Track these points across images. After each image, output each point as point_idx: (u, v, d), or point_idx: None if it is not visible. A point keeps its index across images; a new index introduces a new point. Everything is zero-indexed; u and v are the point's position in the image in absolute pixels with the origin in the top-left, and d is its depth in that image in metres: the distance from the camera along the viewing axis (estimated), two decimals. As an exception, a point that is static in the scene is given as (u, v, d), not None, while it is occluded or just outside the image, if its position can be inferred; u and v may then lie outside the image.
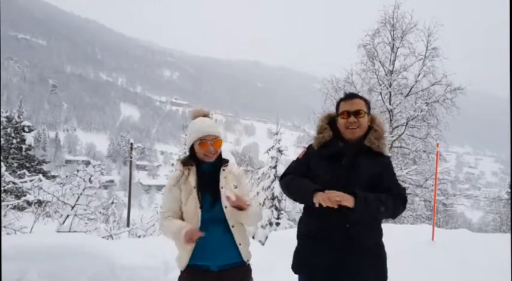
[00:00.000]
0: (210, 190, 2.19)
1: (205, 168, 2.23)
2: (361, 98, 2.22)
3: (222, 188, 2.20)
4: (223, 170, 2.25)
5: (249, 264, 2.27)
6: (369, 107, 2.22)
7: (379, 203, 1.99)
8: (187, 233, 1.99)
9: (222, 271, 2.16)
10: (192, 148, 2.24)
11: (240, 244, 2.20)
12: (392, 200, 2.04)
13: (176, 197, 2.19)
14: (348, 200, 1.94)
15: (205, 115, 2.32)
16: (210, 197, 2.18)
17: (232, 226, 2.18)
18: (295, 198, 2.24)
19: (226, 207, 2.16)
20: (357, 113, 2.12)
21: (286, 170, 2.34)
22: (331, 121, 2.27)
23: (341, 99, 2.25)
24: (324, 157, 2.15)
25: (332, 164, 2.12)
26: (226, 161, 2.31)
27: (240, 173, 2.31)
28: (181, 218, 2.19)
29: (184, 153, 17.91)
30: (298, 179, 2.18)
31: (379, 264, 2.14)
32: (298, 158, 2.32)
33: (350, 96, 2.22)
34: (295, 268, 2.23)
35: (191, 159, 2.24)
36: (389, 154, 2.44)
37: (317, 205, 2.00)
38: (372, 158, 2.12)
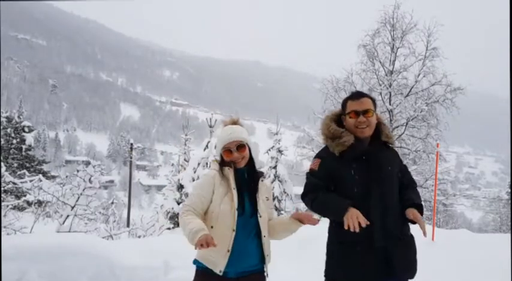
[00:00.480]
0: (247, 195, 2.21)
1: (240, 172, 2.25)
2: (368, 97, 2.22)
3: (258, 197, 2.23)
4: (262, 181, 2.30)
5: (264, 273, 2.25)
6: (375, 106, 2.23)
7: (420, 198, 2.22)
8: (205, 236, 1.89)
9: (239, 278, 2.15)
10: (222, 156, 2.28)
11: (267, 255, 2.22)
12: (416, 190, 2.28)
13: (206, 198, 2.17)
14: (418, 214, 2.10)
15: (235, 123, 2.34)
16: (248, 202, 2.19)
17: (264, 236, 2.20)
18: (325, 216, 2.18)
19: (261, 216, 2.19)
20: (365, 113, 2.13)
21: (306, 189, 2.21)
22: (337, 120, 2.27)
23: (348, 98, 2.23)
24: (349, 160, 2.11)
25: (361, 165, 2.10)
26: (262, 173, 2.36)
27: (271, 187, 2.42)
28: (203, 218, 2.13)
29: (184, 153, 17.87)
30: (326, 195, 2.10)
31: (412, 255, 2.25)
32: (312, 171, 2.20)
33: (358, 96, 2.21)
34: (335, 277, 2.18)
35: (225, 162, 2.27)
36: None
37: (346, 227, 1.94)
38: (387, 152, 2.22)
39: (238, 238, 2.11)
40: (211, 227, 2.13)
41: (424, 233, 2.05)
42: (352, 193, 2.08)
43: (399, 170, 2.23)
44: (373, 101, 2.23)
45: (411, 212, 2.08)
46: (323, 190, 2.13)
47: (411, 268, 2.19)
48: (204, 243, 1.86)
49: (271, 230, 2.28)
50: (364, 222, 1.91)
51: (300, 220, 2.20)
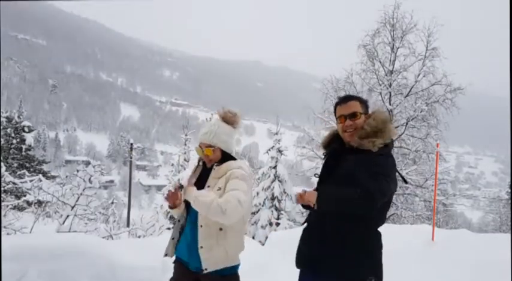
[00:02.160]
0: (198, 187, 2.20)
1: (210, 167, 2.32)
2: (356, 99, 2.19)
3: (208, 186, 2.20)
4: (214, 169, 2.23)
5: (222, 275, 2.14)
6: (366, 107, 2.20)
7: (336, 196, 1.94)
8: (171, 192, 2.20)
9: (198, 273, 2.15)
10: None
11: (201, 247, 2.10)
12: (352, 194, 1.89)
13: None
14: (311, 198, 1.96)
15: (225, 118, 2.39)
16: None
17: (201, 226, 2.14)
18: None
19: None
20: (352, 116, 2.12)
21: None
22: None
23: (337, 104, 2.24)
24: (324, 159, 2.28)
25: (326, 164, 2.21)
26: (224, 161, 2.26)
27: (232, 173, 2.17)
28: None
29: (184, 153, 17.85)
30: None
31: (351, 256, 2.03)
32: None
33: (344, 100, 2.21)
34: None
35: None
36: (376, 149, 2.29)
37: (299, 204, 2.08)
38: (361, 156, 2.03)
39: (186, 228, 2.26)
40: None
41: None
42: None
43: (357, 172, 1.99)
44: (363, 102, 2.19)
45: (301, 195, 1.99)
46: None
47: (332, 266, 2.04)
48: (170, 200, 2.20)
49: None
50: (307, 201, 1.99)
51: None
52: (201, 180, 2.27)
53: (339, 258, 2.02)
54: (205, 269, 2.09)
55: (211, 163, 2.27)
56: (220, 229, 2.12)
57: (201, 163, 2.37)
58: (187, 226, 2.23)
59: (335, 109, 2.24)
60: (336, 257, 2.03)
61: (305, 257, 2.17)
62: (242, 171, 2.18)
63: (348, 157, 2.08)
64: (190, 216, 2.22)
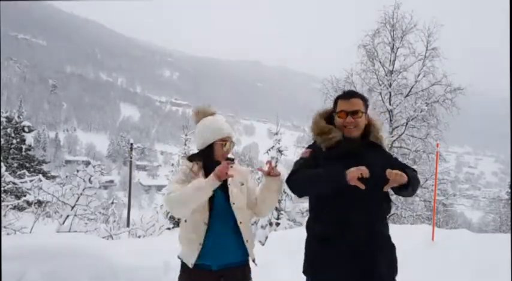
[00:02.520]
0: (219, 186, 2.13)
1: (211, 165, 2.20)
2: (359, 97, 2.19)
3: (229, 185, 2.19)
4: (231, 167, 2.20)
5: (248, 264, 2.26)
6: (366, 106, 2.20)
7: (414, 173, 2.08)
8: (219, 169, 2.01)
9: (222, 270, 2.14)
10: (210, 146, 2.24)
11: (247, 241, 2.19)
12: (414, 172, 2.12)
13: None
14: (401, 176, 1.92)
15: (213, 115, 2.34)
16: (220, 192, 2.15)
17: (240, 222, 2.17)
18: (318, 188, 2.03)
19: (234, 203, 2.17)
20: (354, 113, 2.11)
21: (294, 168, 2.19)
22: (327, 117, 2.24)
23: (339, 97, 2.21)
24: (334, 157, 2.08)
25: (344, 162, 2.04)
26: (232, 159, 2.32)
27: (246, 170, 2.37)
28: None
29: (184, 153, 17.76)
30: (314, 170, 2.06)
31: (392, 254, 2.14)
32: (304, 158, 2.19)
33: (348, 95, 2.19)
34: (309, 272, 2.15)
35: (200, 155, 2.25)
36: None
37: (352, 183, 1.89)
38: (377, 152, 2.16)
39: (213, 230, 2.12)
40: (185, 221, 2.17)
41: (393, 182, 1.93)
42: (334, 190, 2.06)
43: (391, 166, 2.04)
44: (365, 101, 2.20)
45: (391, 172, 1.92)
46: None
47: (388, 272, 2.07)
48: (224, 172, 2.00)
49: (261, 204, 2.27)
50: (366, 173, 1.90)
51: (267, 173, 2.22)
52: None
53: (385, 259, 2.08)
54: (253, 259, 2.25)
55: (224, 159, 2.26)
56: (251, 224, 2.29)
57: (200, 162, 2.23)
58: (216, 226, 2.13)
59: (336, 102, 2.21)
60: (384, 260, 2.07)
61: (364, 272, 2.00)
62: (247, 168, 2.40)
63: (368, 155, 2.09)
64: (222, 215, 2.15)
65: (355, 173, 1.88)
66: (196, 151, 2.34)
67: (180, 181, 2.14)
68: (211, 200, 2.11)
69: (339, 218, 2.02)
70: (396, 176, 1.91)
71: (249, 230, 2.24)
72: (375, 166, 2.00)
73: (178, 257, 2.24)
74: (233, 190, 2.19)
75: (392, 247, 2.14)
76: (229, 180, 2.18)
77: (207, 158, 2.23)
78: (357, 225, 2.00)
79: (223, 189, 2.17)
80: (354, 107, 2.12)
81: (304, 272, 2.17)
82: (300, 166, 2.14)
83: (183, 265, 2.21)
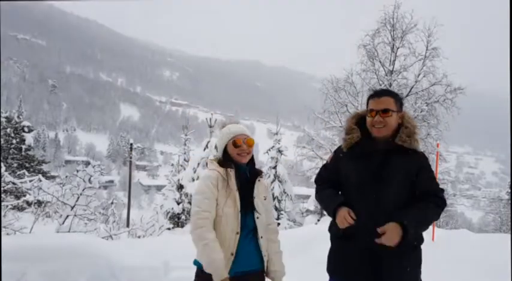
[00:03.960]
0: (246, 195, 2.18)
1: (242, 171, 2.23)
2: (390, 95, 2.14)
3: (254, 198, 2.21)
4: (259, 181, 2.26)
5: (264, 271, 2.26)
6: (400, 104, 2.15)
7: (422, 219, 1.99)
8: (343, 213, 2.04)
9: (238, 277, 2.12)
10: (225, 152, 2.25)
11: (264, 256, 2.21)
12: (429, 208, 2.01)
13: (215, 199, 2.13)
14: (394, 234, 1.89)
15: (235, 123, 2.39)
16: (246, 202, 2.17)
17: (261, 237, 2.19)
18: (325, 210, 2.26)
19: (258, 217, 2.18)
20: (383, 112, 2.06)
21: (316, 178, 2.35)
22: (359, 120, 2.21)
23: (370, 97, 2.19)
24: (354, 157, 2.10)
25: (362, 163, 2.07)
26: (262, 172, 2.35)
27: (269, 185, 2.39)
28: (215, 220, 2.13)
29: (184, 153, 17.76)
30: (324, 191, 2.23)
31: (410, 264, 2.13)
32: (326, 163, 2.32)
33: (377, 94, 2.15)
34: (329, 270, 2.24)
35: (226, 161, 2.23)
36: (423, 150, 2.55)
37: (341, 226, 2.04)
38: (405, 156, 2.06)
39: (247, 239, 2.16)
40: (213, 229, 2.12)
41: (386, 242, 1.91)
42: (350, 190, 2.11)
43: (416, 178, 2.05)
44: (397, 99, 2.14)
45: (384, 229, 1.90)
46: (327, 184, 2.25)
47: (400, 278, 2.06)
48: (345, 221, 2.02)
49: (269, 241, 2.29)
50: (350, 222, 1.97)
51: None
52: (242, 185, 2.19)
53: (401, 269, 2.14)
54: (265, 273, 2.26)
55: (247, 160, 2.25)
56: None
57: (232, 169, 2.19)
58: (249, 237, 2.18)
59: (368, 101, 2.19)
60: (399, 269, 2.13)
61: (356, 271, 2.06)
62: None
63: (397, 159, 2.05)
64: (245, 226, 2.16)
65: (339, 220, 2.03)
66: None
67: (209, 195, 2.11)
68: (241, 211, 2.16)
69: (356, 220, 2.02)
70: (386, 240, 1.89)
71: (267, 245, 2.26)
72: (393, 171, 2.02)
73: (196, 264, 2.18)
74: (258, 204, 2.21)
75: (407, 257, 2.09)
76: (255, 193, 2.22)
77: (226, 163, 2.23)
78: (367, 227, 1.99)
79: (249, 199, 2.19)
80: (383, 106, 2.07)
81: (326, 269, 2.25)
82: (319, 177, 2.34)
83: (200, 271, 2.13)
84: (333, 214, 2.08)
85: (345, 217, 1.98)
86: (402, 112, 2.15)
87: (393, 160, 2.05)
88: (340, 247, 2.14)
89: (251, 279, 2.18)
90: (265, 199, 2.27)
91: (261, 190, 2.26)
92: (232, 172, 2.18)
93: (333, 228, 2.22)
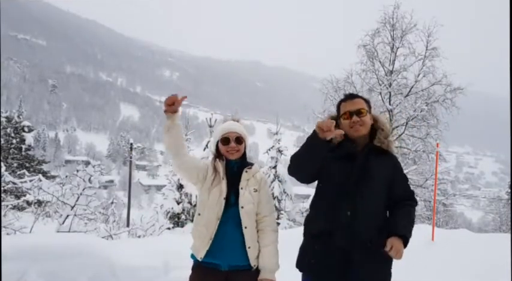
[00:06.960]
0: (232, 188, 2.23)
1: (232, 165, 2.30)
2: (361, 97, 2.23)
3: (241, 189, 2.24)
4: (246, 172, 2.29)
5: (256, 271, 2.24)
6: (369, 106, 2.23)
7: (411, 225, 2.11)
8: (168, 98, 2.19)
9: (230, 272, 2.17)
10: (217, 149, 2.34)
11: (249, 248, 2.20)
12: (411, 212, 2.16)
13: (202, 165, 2.28)
14: (400, 247, 1.99)
15: (235, 121, 2.42)
16: (233, 193, 2.23)
17: (245, 228, 2.20)
18: (304, 157, 2.15)
19: (242, 207, 2.20)
20: (358, 112, 2.13)
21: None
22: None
23: (341, 101, 2.25)
24: (336, 159, 2.13)
25: (344, 165, 2.11)
26: (251, 164, 2.38)
27: (263, 178, 2.36)
28: (202, 204, 2.25)
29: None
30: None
31: (383, 266, 2.11)
32: None
33: (350, 97, 2.23)
34: (300, 266, 2.22)
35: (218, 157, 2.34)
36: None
37: (326, 136, 1.93)
38: (382, 157, 2.16)
39: (223, 228, 2.17)
40: (199, 214, 2.24)
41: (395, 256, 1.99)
42: (332, 190, 2.12)
43: (392, 179, 2.15)
44: (367, 101, 2.23)
45: (390, 244, 1.97)
46: None
47: (371, 278, 2.06)
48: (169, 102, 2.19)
49: (260, 233, 2.28)
50: (331, 127, 1.89)
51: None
52: (230, 176, 2.26)
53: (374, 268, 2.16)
54: (254, 265, 2.22)
55: (236, 157, 2.29)
56: (257, 231, 2.27)
57: (220, 162, 2.29)
58: (227, 226, 2.19)
59: (338, 106, 2.24)
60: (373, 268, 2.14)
61: (327, 268, 2.09)
62: (265, 176, 2.41)
63: (376, 160, 2.13)
64: (232, 217, 2.20)
65: (320, 124, 1.92)
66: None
67: (199, 160, 2.34)
68: (226, 200, 2.19)
69: (331, 217, 2.07)
70: (397, 254, 1.98)
71: (254, 236, 2.24)
72: (375, 172, 2.09)
73: (192, 257, 2.29)
74: (244, 194, 2.22)
75: (384, 260, 2.09)
76: (242, 184, 2.24)
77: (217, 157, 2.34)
78: (347, 227, 2.03)
79: (236, 192, 2.22)
80: (358, 106, 2.15)
81: (296, 265, 2.23)
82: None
83: (194, 263, 2.27)
84: (311, 135, 2.00)
85: (327, 123, 1.90)
86: (372, 114, 2.23)
87: (374, 161, 2.12)
88: (314, 243, 2.14)
89: (243, 275, 2.19)
90: (255, 191, 2.26)
91: (252, 182, 2.28)
92: (222, 163, 2.28)
93: (310, 225, 2.23)
